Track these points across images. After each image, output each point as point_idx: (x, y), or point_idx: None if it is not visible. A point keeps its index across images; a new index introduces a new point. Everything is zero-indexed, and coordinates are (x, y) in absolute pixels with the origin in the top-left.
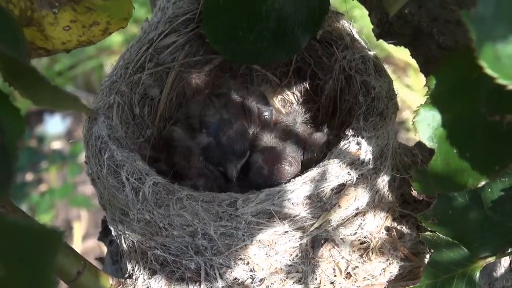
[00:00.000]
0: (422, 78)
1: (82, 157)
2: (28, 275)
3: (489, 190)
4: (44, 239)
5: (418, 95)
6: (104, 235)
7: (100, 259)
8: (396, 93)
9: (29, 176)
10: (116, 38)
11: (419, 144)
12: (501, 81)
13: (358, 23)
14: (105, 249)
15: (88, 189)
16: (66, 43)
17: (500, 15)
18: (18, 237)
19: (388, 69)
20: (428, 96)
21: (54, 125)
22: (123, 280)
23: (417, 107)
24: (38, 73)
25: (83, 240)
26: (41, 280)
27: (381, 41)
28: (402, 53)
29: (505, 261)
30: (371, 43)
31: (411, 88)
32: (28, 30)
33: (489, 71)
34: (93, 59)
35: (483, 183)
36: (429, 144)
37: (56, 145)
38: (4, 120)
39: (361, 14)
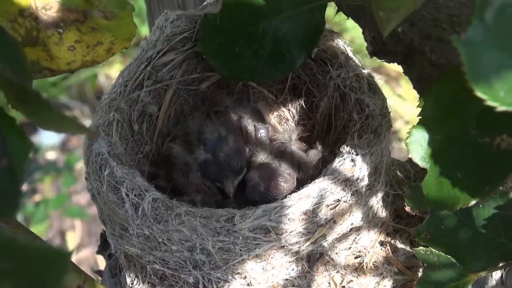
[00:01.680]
0: None
1: (76, 168)
2: None
3: (481, 206)
4: (52, 260)
5: (410, 105)
6: (103, 248)
7: (99, 272)
8: (390, 110)
9: (23, 187)
10: None
11: (412, 160)
12: (490, 103)
13: (350, 33)
14: (99, 259)
15: (82, 199)
16: (70, 63)
17: (490, 40)
18: (26, 257)
19: (381, 79)
20: (420, 117)
21: (49, 136)
22: None
23: (410, 128)
24: (41, 97)
25: (77, 250)
26: None
27: None
28: (394, 64)
29: (496, 275)
30: (364, 55)
31: (403, 98)
32: (33, 50)
33: (479, 93)
34: (87, 69)
35: (473, 202)
36: (421, 164)
37: (51, 155)
38: (10, 143)
39: (353, 25)
